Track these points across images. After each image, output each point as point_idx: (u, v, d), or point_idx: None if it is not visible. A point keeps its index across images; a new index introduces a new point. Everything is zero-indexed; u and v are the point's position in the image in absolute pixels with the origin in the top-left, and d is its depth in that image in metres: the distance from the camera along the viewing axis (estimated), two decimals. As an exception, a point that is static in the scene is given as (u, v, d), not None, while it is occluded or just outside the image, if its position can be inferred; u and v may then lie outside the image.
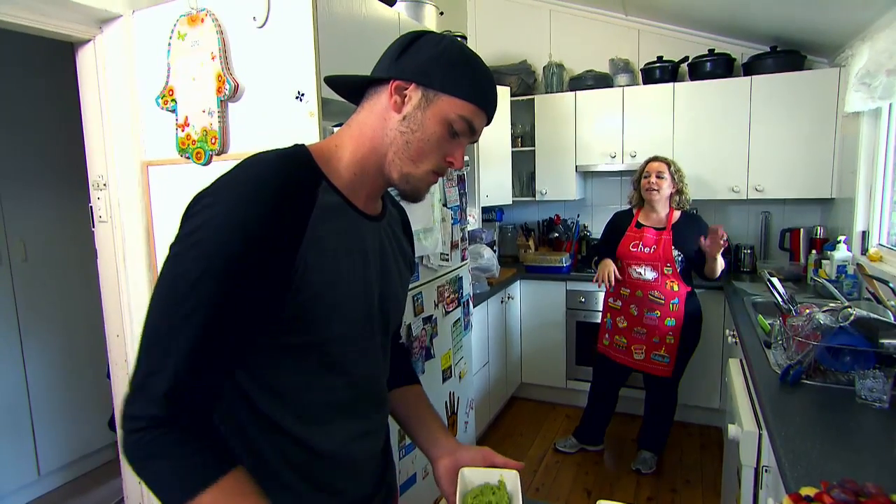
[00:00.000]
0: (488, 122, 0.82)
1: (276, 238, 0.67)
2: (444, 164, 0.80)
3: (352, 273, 0.77)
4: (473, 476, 0.86)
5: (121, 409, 0.65)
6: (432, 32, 0.79)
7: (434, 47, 0.76)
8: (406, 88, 0.76)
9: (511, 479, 0.86)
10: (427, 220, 2.01)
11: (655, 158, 2.63)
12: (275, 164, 0.71)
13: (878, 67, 2.09)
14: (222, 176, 0.70)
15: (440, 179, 0.86)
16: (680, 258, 2.56)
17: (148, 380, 0.64)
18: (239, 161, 0.72)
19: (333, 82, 0.83)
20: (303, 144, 0.78)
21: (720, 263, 2.47)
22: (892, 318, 1.52)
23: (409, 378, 1.04)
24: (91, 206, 1.92)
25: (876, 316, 1.49)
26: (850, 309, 1.49)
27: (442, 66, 0.75)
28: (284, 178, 0.70)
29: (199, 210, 0.67)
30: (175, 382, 0.63)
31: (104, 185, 1.87)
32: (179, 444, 0.64)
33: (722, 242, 2.36)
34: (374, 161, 0.78)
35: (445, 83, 0.75)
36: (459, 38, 0.82)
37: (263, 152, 0.74)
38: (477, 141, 0.82)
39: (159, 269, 0.68)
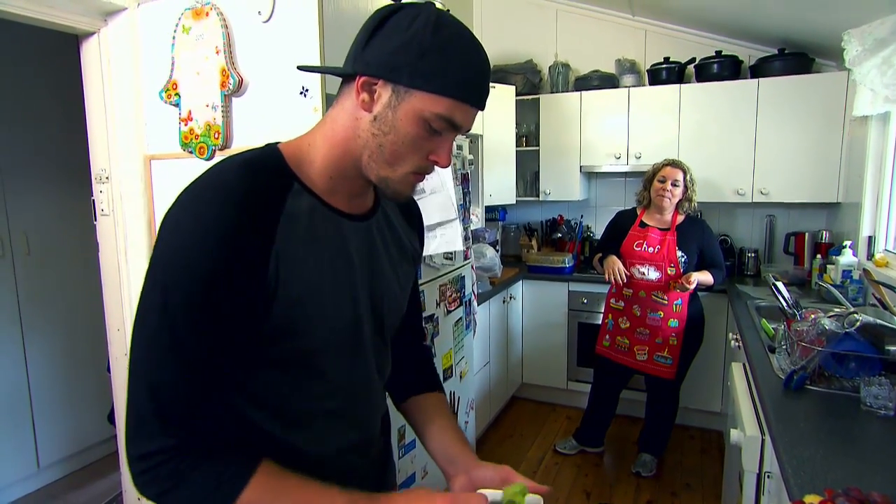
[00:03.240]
0: (482, 108, 0.72)
1: (242, 253, 0.64)
2: (426, 163, 0.72)
3: (332, 278, 0.73)
4: (492, 499, 0.76)
5: (126, 452, 0.64)
6: (405, 8, 0.68)
7: (403, 33, 0.66)
8: (374, 84, 0.68)
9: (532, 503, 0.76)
10: (445, 214, 1.99)
11: (673, 163, 2.59)
12: (238, 173, 0.67)
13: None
14: (188, 186, 0.67)
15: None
16: (683, 259, 2.54)
17: (144, 417, 0.64)
18: (209, 166, 0.70)
19: (307, 69, 0.81)
20: (275, 145, 0.75)
21: (706, 282, 2.54)
22: (899, 325, 1.51)
23: (429, 385, 0.98)
24: (93, 200, 1.92)
25: (882, 322, 1.47)
26: (856, 315, 1.47)
27: (411, 57, 0.65)
28: (248, 186, 0.66)
29: (167, 229, 0.65)
30: (171, 413, 0.63)
31: (107, 178, 1.87)
32: (197, 464, 0.64)
33: (687, 286, 2.46)
34: (351, 163, 0.73)
35: (415, 78, 0.66)
36: (440, 9, 0.70)
37: (231, 156, 0.71)
38: (467, 132, 0.74)
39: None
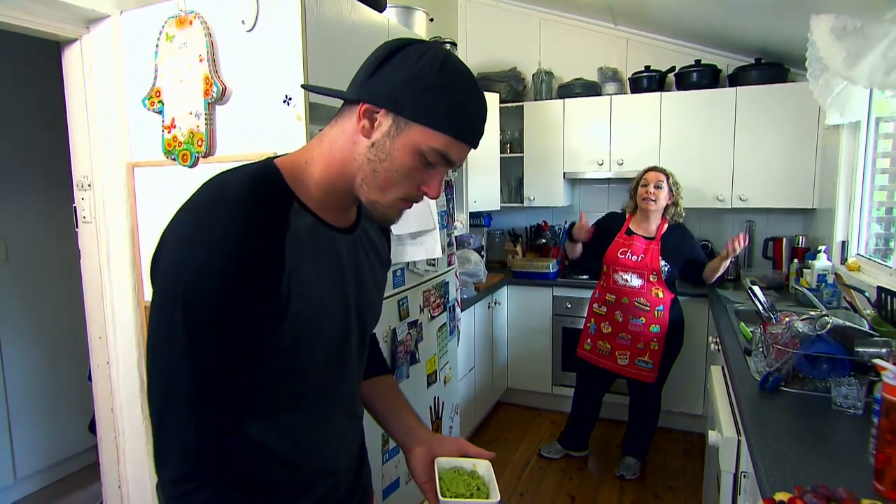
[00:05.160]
0: (475, 147, 0.75)
1: (258, 278, 0.65)
2: (416, 192, 0.74)
3: (329, 292, 0.76)
4: (448, 466, 0.89)
5: (159, 475, 0.66)
6: (414, 44, 0.71)
7: (410, 68, 0.68)
8: (376, 113, 0.70)
9: (483, 467, 0.89)
10: (424, 223, 2.01)
11: (654, 168, 2.65)
12: (244, 190, 0.67)
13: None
14: (192, 201, 0.68)
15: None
16: (666, 268, 2.58)
17: (176, 442, 0.65)
18: (206, 181, 0.70)
19: (311, 89, 0.84)
20: (272, 161, 0.75)
21: (724, 267, 2.55)
22: (867, 327, 1.56)
23: (380, 368, 1.03)
24: (75, 207, 1.91)
25: (852, 325, 1.52)
26: (827, 318, 1.52)
27: (416, 92, 0.68)
28: (255, 204, 0.67)
29: (176, 244, 0.65)
30: (203, 436, 0.66)
31: (89, 185, 1.86)
32: (228, 497, 0.68)
33: (736, 249, 2.46)
34: (344, 184, 0.75)
35: (417, 112, 0.68)
36: (447, 50, 0.73)
37: (230, 172, 0.71)
38: (459, 167, 0.80)
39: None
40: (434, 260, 2.21)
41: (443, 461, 0.88)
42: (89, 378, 2.00)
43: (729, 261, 2.52)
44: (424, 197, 0.76)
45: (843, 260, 2.59)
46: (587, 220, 2.71)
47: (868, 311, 1.74)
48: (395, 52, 0.70)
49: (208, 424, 0.66)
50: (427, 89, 0.68)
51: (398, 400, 1.00)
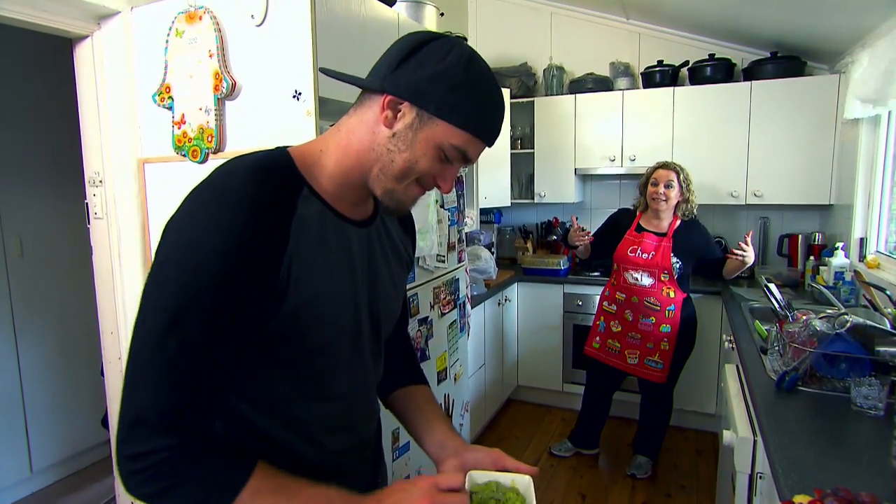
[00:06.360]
0: (491, 146, 0.77)
1: (256, 258, 0.65)
2: (430, 181, 0.76)
3: (336, 283, 0.75)
4: (481, 479, 0.77)
5: (118, 451, 0.63)
6: (439, 39, 0.72)
7: (436, 64, 0.69)
8: (400, 104, 0.71)
9: (523, 485, 0.77)
10: (423, 221, 2.01)
11: (665, 165, 2.56)
12: (250, 176, 0.67)
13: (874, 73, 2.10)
14: (196, 188, 0.68)
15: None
16: (678, 266, 2.53)
17: (143, 415, 0.63)
18: (216, 167, 0.70)
19: (329, 74, 0.82)
20: (285, 149, 0.75)
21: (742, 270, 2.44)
22: (889, 326, 1.52)
23: (415, 378, 1.01)
24: (87, 203, 1.92)
25: (872, 323, 1.48)
26: (846, 316, 1.49)
27: (441, 88, 0.69)
28: (260, 190, 0.67)
29: (175, 232, 0.66)
30: (172, 413, 0.63)
31: (100, 181, 1.86)
32: (195, 464, 0.64)
33: (740, 258, 2.32)
34: (359, 175, 0.75)
35: (442, 108, 0.70)
36: (471, 47, 0.74)
37: (240, 157, 0.71)
38: (473, 164, 0.79)
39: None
40: (443, 256, 2.20)
41: (476, 475, 0.77)
42: (102, 373, 2.02)
43: (746, 265, 2.38)
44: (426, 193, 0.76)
45: (862, 257, 2.53)
46: (580, 225, 2.64)
47: (889, 310, 1.70)
48: (421, 45, 0.71)
49: (182, 404, 0.64)
50: (452, 87, 0.69)
51: (431, 411, 0.95)
